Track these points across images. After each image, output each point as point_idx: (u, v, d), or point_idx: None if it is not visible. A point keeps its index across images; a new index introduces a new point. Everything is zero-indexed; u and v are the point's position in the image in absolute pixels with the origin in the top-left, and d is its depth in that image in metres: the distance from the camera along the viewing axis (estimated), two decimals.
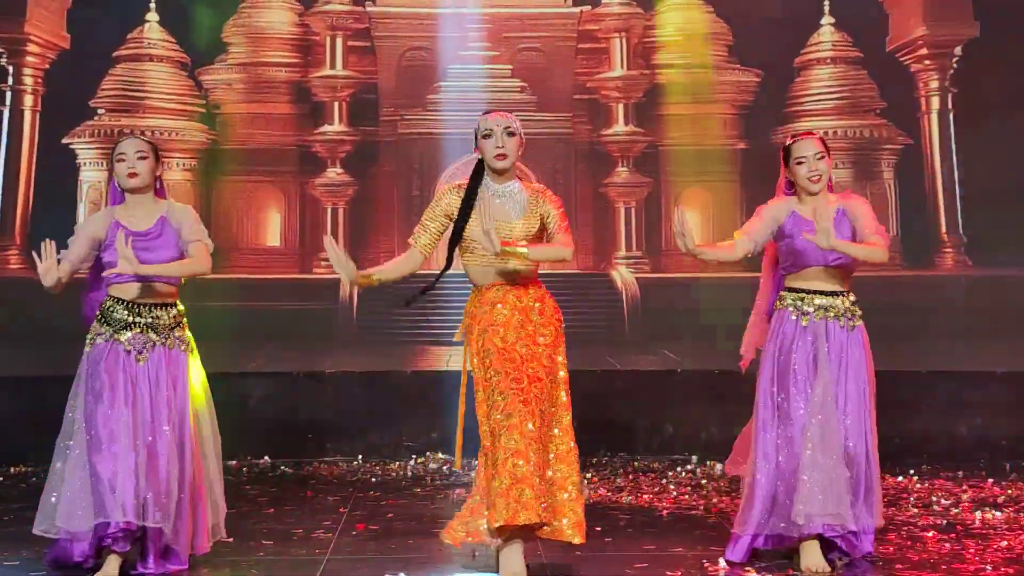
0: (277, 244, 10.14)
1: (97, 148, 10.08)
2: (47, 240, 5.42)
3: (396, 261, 5.97)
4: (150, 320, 5.60)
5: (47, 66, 10.08)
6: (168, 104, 10.26)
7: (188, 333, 5.74)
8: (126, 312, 5.59)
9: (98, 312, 5.65)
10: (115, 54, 10.21)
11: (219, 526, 5.85)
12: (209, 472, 5.77)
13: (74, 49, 10.11)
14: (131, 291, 5.59)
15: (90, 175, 10.08)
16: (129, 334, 5.57)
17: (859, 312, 5.92)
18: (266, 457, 9.12)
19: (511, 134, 5.68)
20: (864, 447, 5.85)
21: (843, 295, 5.90)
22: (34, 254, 5.42)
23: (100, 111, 10.14)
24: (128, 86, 10.24)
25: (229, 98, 10.28)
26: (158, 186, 5.78)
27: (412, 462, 9.09)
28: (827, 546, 5.74)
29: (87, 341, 5.66)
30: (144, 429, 5.50)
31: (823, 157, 5.89)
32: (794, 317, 5.86)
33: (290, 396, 9.35)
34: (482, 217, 5.63)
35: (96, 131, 10.08)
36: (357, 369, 9.67)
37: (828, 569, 5.71)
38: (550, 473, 5.55)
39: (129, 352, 5.56)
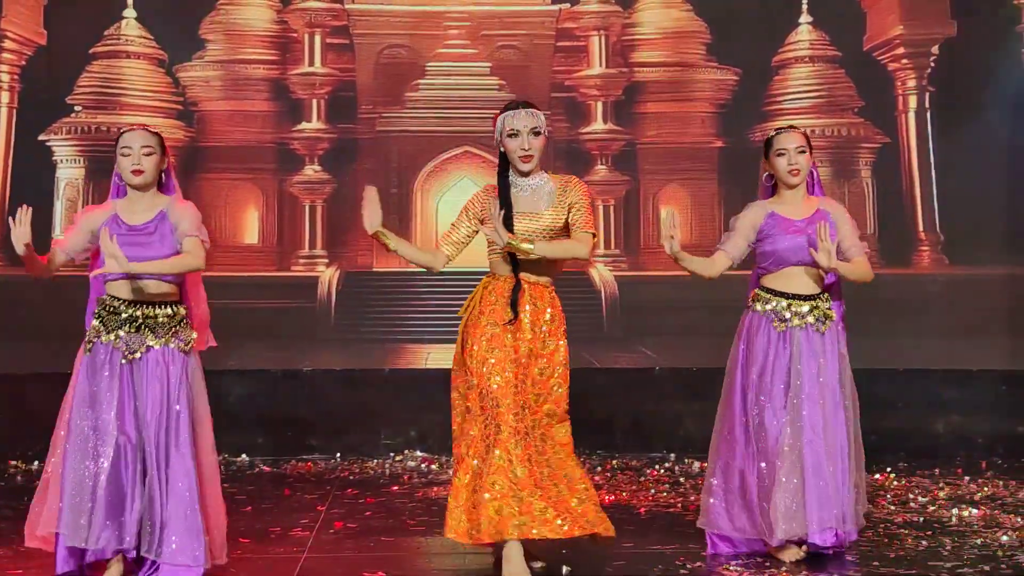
0: (255, 242, 10.12)
1: (74, 145, 10.04)
2: (23, 205, 5.25)
3: (422, 249, 5.93)
4: (146, 319, 5.39)
5: (23, 62, 10.03)
6: (145, 101, 10.22)
7: (191, 333, 5.53)
8: (122, 310, 5.38)
9: (96, 310, 5.46)
10: (92, 51, 10.16)
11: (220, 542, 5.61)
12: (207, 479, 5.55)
13: (51, 45, 10.05)
14: (126, 289, 5.38)
15: (67, 172, 10.03)
16: (123, 333, 5.37)
17: (832, 314, 5.93)
18: (244, 455, 9.11)
19: (537, 134, 5.66)
20: (843, 456, 5.86)
21: (819, 297, 5.92)
22: (9, 219, 5.25)
23: (77, 108, 10.09)
24: (105, 83, 10.19)
25: (207, 95, 10.25)
26: (163, 180, 5.57)
27: (390, 460, 9.09)
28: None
29: (85, 342, 5.45)
30: (128, 436, 5.33)
31: (804, 151, 5.90)
32: (773, 325, 5.86)
33: (268, 394, 9.34)
34: (519, 219, 5.63)
35: (73, 128, 10.04)
36: (335, 367, 9.67)
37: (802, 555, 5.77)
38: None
39: (122, 351, 5.36)
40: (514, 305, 5.58)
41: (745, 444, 5.92)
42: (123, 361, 5.38)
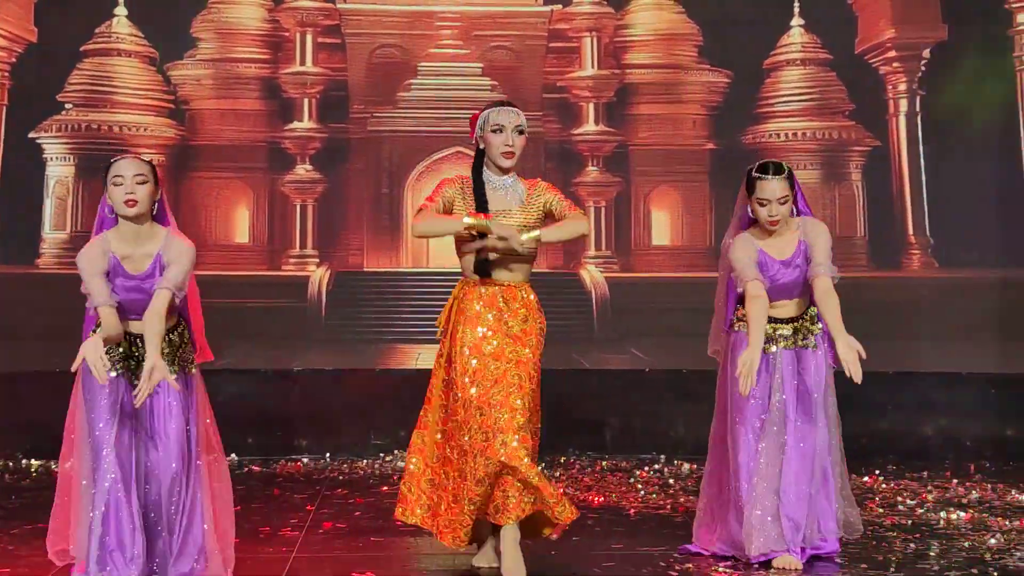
0: (246, 241, 10.11)
1: (64, 143, 10.03)
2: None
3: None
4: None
5: (14, 60, 10.02)
6: (136, 99, 10.21)
7: (192, 352, 5.41)
8: (125, 345, 5.24)
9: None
10: (83, 48, 10.15)
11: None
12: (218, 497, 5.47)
13: (41, 43, 10.04)
14: (135, 326, 5.21)
15: (56, 170, 10.01)
16: (132, 365, 5.23)
17: (818, 327, 5.92)
18: (233, 455, 9.08)
19: (520, 132, 5.65)
20: (825, 469, 5.88)
21: (803, 317, 5.93)
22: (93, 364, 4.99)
23: (67, 106, 10.08)
24: (96, 81, 10.18)
25: (198, 94, 10.24)
26: (155, 211, 5.32)
27: (380, 460, 9.08)
28: None
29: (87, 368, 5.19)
30: (145, 467, 5.24)
31: (787, 201, 5.80)
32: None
33: (258, 394, 9.33)
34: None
35: (63, 126, 10.03)
36: (326, 367, 9.66)
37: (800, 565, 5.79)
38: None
39: (130, 385, 5.19)
40: (483, 265, 5.59)
41: (727, 459, 5.94)
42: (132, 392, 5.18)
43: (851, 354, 5.50)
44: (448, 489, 5.58)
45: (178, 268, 5.19)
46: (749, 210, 5.86)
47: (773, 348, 5.86)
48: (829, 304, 5.68)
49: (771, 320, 5.83)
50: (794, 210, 5.91)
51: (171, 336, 5.31)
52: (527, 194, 5.69)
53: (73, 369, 5.07)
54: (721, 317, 6.10)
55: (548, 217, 5.68)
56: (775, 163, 5.86)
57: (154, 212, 5.31)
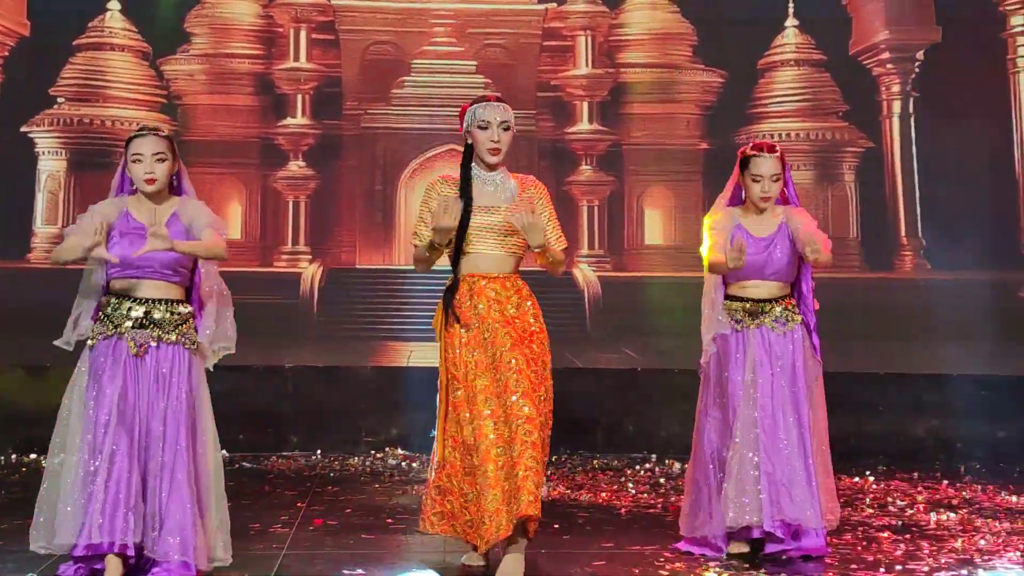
0: (238, 237, 10.09)
1: (56, 137, 10.01)
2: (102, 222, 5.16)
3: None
4: (154, 316, 5.30)
5: (6, 53, 10.00)
6: (129, 94, 10.19)
7: (195, 333, 5.45)
8: (129, 306, 5.31)
9: (98, 313, 5.34)
10: (76, 42, 10.14)
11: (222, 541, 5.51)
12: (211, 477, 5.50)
13: (34, 37, 10.02)
14: (135, 287, 5.31)
15: (48, 164, 9.99)
16: (131, 327, 5.28)
17: (797, 317, 5.99)
18: (224, 451, 9.03)
19: (507, 128, 5.64)
20: (802, 448, 5.89)
21: (780, 300, 5.99)
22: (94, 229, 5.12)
23: (60, 100, 10.06)
24: (89, 75, 10.16)
25: (191, 89, 10.23)
26: (174, 183, 5.52)
27: (371, 457, 9.07)
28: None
29: (88, 340, 5.32)
30: (142, 441, 5.25)
31: (779, 179, 5.96)
32: (734, 330, 5.94)
33: (249, 390, 9.31)
34: (481, 214, 5.60)
35: (56, 120, 10.01)
36: (317, 364, 9.65)
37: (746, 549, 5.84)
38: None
39: (130, 346, 5.26)
40: (448, 307, 5.60)
41: (706, 440, 6.03)
42: (134, 355, 5.28)
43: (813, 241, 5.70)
44: (456, 493, 5.55)
45: (203, 216, 5.44)
46: (741, 192, 6.03)
47: (742, 326, 5.93)
48: (809, 243, 5.79)
49: (742, 299, 5.94)
50: (784, 192, 6.05)
51: (182, 309, 5.40)
52: (518, 189, 5.69)
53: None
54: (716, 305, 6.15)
55: None
56: (769, 144, 6.06)
57: (172, 185, 5.51)
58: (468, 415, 5.46)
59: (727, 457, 5.89)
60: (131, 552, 5.19)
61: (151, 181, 5.35)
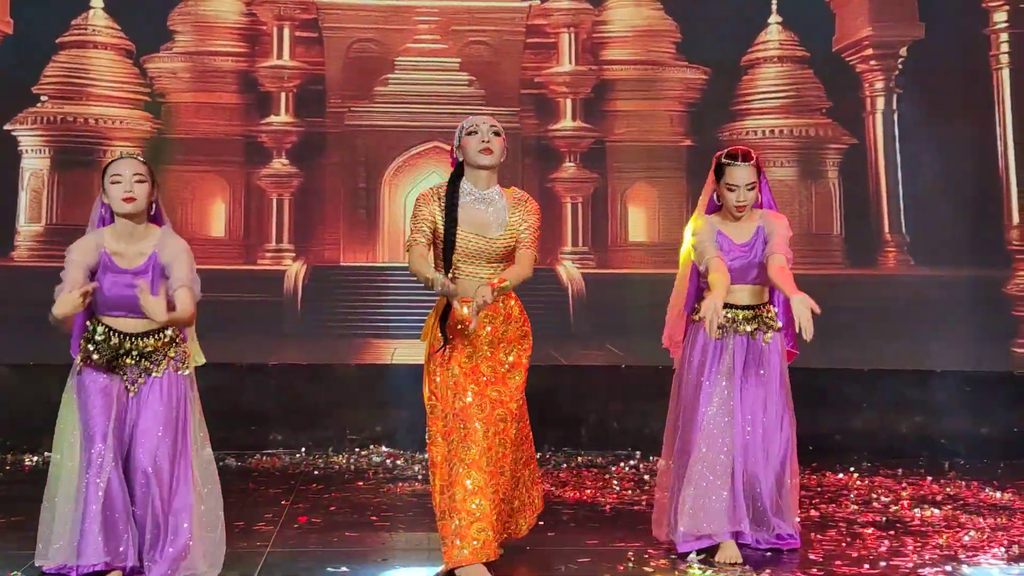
0: (221, 235, 10.07)
1: (39, 136, 9.97)
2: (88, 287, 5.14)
3: (428, 260, 5.68)
4: (142, 349, 5.34)
5: None
6: (112, 92, 10.15)
7: (185, 350, 5.49)
8: (121, 343, 5.33)
9: (85, 334, 5.37)
10: (59, 40, 10.10)
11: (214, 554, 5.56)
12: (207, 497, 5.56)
13: (17, 34, 9.98)
14: (124, 322, 5.33)
15: (31, 163, 9.95)
16: (125, 363, 5.33)
17: (777, 324, 5.99)
18: (208, 449, 9.05)
19: (496, 133, 5.66)
20: (782, 453, 5.91)
21: (763, 307, 5.99)
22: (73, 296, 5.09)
23: (43, 98, 10.03)
24: (72, 73, 10.12)
25: (174, 87, 10.19)
26: (152, 211, 5.48)
27: (355, 455, 9.06)
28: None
29: (78, 362, 5.38)
30: (134, 463, 5.30)
31: (754, 188, 5.94)
32: (709, 332, 5.90)
33: (233, 388, 9.30)
34: (463, 224, 5.59)
35: (39, 118, 9.97)
36: (301, 361, 9.64)
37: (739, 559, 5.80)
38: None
39: (124, 383, 5.34)
40: (442, 325, 5.62)
41: (674, 444, 6.04)
42: (128, 390, 5.34)
43: (804, 310, 5.52)
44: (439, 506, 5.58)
45: (182, 265, 5.35)
46: (715, 197, 6.03)
47: (722, 332, 5.93)
48: (783, 276, 5.76)
49: (728, 306, 5.93)
50: (759, 198, 6.04)
51: (166, 331, 5.39)
52: (509, 210, 5.66)
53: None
54: (679, 304, 6.16)
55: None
56: (743, 151, 6.00)
57: (151, 213, 5.44)
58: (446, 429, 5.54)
59: (688, 463, 5.87)
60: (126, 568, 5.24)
61: (130, 200, 5.31)
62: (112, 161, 5.42)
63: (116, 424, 5.27)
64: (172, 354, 5.42)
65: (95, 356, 5.30)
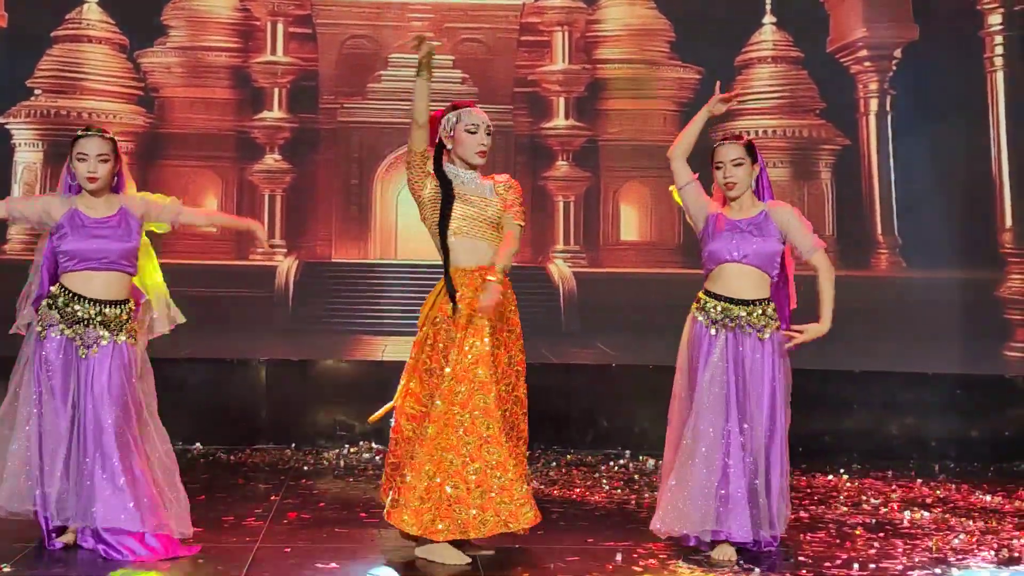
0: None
1: (33, 129, 9.95)
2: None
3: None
4: (103, 317, 5.61)
5: None
6: (106, 86, 10.14)
7: (135, 326, 5.75)
8: (80, 307, 5.60)
9: (47, 299, 5.65)
10: (53, 34, 10.08)
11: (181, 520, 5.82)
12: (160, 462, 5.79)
13: (11, 28, 9.97)
14: (88, 287, 5.63)
15: (25, 156, 9.94)
16: (81, 329, 5.59)
17: (775, 322, 5.94)
18: (198, 444, 9.06)
19: (489, 133, 5.78)
20: (778, 453, 5.90)
21: (760, 304, 5.91)
22: None
23: (37, 91, 10.01)
24: (66, 67, 10.11)
25: (168, 82, 10.18)
26: (115, 181, 5.79)
27: (345, 451, 9.06)
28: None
29: (37, 324, 5.65)
30: (85, 429, 5.55)
31: (741, 164, 5.92)
32: (706, 328, 5.89)
33: (224, 383, 9.30)
34: (462, 204, 5.70)
35: (32, 112, 9.95)
36: (292, 357, 9.64)
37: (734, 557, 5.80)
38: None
39: (79, 347, 5.59)
40: (452, 295, 5.69)
41: (675, 443, 6.01)
42: (80, 355, 5.59)
43: (812, 337, 5.77)
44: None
45: (155, 200, 5.83)
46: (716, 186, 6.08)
47: (718, 328, 5.89)
48: (827, 282, 5.92)
49: (725, 299, 5.87)
50: (754, 184, 6.00)
51: (119, 310, 5.66)
52: (494, 185, 5.77)
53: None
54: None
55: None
56: (733, 134, 6.18)
57: (113, 184, 5.79)
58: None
59: (677, 459, 5.86)
60: (52, 523, 5.60)
61: (93, 179, 5.65)
62: (80, 136, 5.72)
63: (74, 385, 5.57)
64: (127, 324, 5.67)
65: (57, 325, 5.58)
